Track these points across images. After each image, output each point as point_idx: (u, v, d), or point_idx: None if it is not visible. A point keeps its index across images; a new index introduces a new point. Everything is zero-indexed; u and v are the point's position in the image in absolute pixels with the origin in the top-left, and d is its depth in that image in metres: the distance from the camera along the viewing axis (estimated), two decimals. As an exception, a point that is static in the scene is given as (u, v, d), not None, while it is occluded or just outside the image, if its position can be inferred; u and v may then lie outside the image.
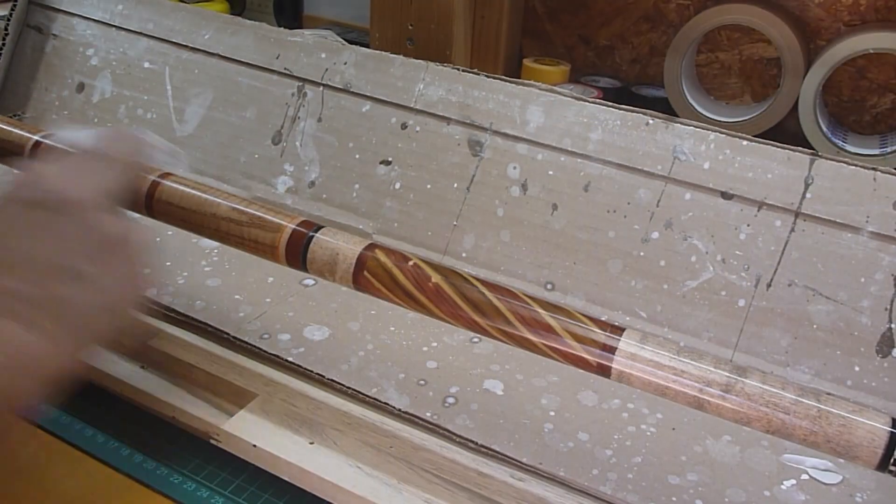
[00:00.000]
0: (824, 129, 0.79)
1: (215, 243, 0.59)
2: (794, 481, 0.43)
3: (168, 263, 0.57)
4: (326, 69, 0.63)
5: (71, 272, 0.32)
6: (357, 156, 0.62)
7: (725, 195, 0.51)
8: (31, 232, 0.33)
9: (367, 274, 0.39)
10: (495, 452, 0.42)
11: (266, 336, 0.50)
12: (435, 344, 0.51)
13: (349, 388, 0.45)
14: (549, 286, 0.55)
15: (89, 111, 0.72)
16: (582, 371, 0.36)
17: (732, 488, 0.42)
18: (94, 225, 0.34)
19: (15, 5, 0.75)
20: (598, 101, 0.55)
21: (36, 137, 0.48)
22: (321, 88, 0.63)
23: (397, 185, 0.60)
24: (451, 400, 0.46)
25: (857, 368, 0.48)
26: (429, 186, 0.59)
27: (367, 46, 0.65)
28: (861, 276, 0.48)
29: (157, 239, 0.59)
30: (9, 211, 0.34)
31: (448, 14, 0.82)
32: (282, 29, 0.66)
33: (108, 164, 0.38)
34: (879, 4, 0.78)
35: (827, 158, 0.49)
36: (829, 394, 0.34)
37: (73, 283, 0.32)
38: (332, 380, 0.46)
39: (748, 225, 0.51)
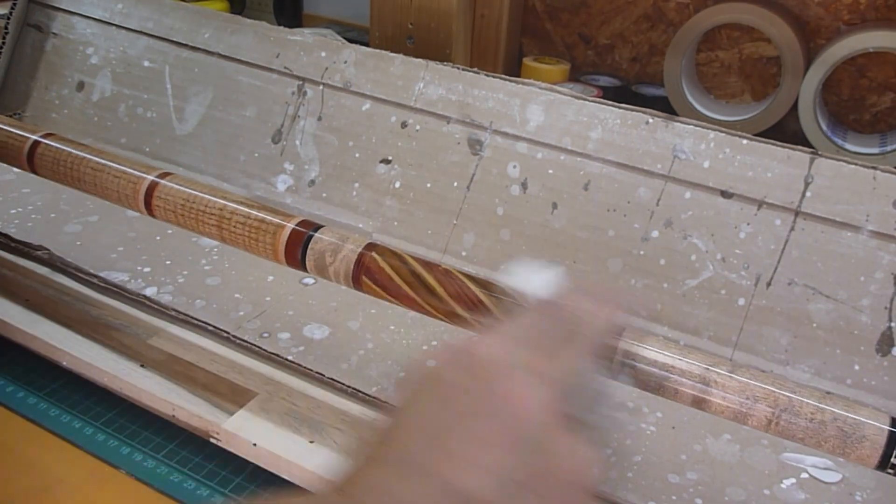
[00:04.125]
0: (824, 127, 0.79)
1: (215, 242, 0.59)
2: (793, 480, 0.43)
3: (168, 262, 0.57)
4: (326, 68, 0.63)
5: (474, 499, 0.23)
6: (357, 154, 0.62)
7: (725, 194, 0.51)
8: (436, 432, 0.24)
9: (366, 273, 0.39)
10: (495, 451, 0.42)
11: (266, 335, 0.50)
12: (435, 343, 0.51)
13: (349, 386, 0.45)
14: (548, 285, 0.55)
15: (89, 110, 0.72)
16: (582, 370, 0.36)
17: (732, 487, 0.42)
18: (537, 447, 0.24)
19: (15, 4, 0.74)
20: (597, 99, 0.55)
21: (35, 138, 0.48)
22: (321, 87, 0.63)
23: (397, 184, 0.60)
24: (450, 399, 0.46)
25: (856, 367, 0.48)
26: (429, 185, 0.59)
27: (367, 45, 0.65)
28: (861, 275, 0.48)
29: (157, 238, 0.59)
30: (419, 397, 0.25)
31: (448, 13, 0.82)
32: (282, 28, 0.66)
33: (577, 342, 0.27)
34: (879, 3, 0.78)
35: (827, 157, 0.49)
36: (828, 392, 0.34)
37: None
38: (332, 378, 0.46)
39: (748, 224, 0.51)
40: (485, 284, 0.38)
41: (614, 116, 0.54)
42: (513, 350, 0.26)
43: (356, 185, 0.62)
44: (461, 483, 0.23)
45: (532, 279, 0.31)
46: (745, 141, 0.51)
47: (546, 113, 0.56)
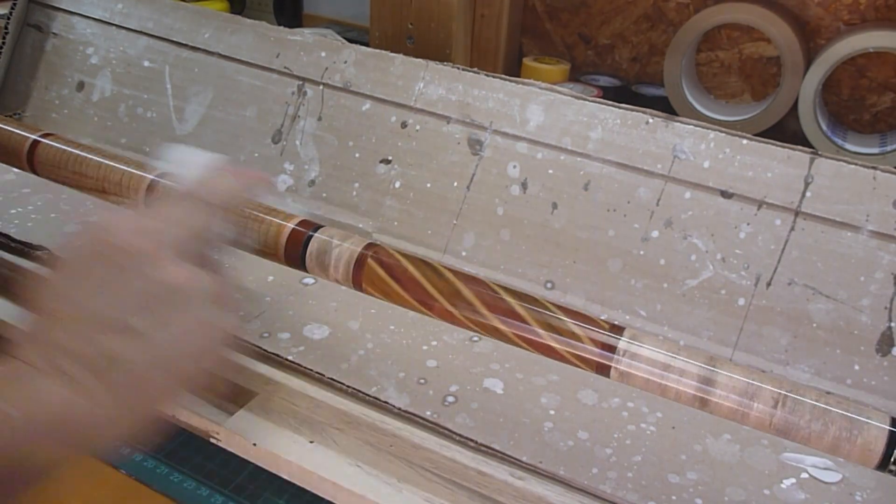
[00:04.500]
0: (824, 127, 0.79)
1: (215, 242, 0.59)
2: (793, 480, 0.43)
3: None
4: (326, 68, 0.63)
5: (122, 326, 0.31)
6: (357, 154, 0.62)
7: (725, 194, 0.51)
8: (86, 285, 0.32)
9: (366, 273, 0.39)
10: (495, 451, 0.42)
11: (266, 335, 0.50)
12: (435, 343, 0.51)
13: (349, 386, 0.45)
14: (548, 285, 0.55)
15: (89, 110, 0.72)
16: (582, 370, 0.36)
17: (732, 487, 0.42)
18: (152, 276, 0.32)
19: (15, 4, 0.74)
20: (597, 99, 0.55)
21: (34, 137, 0.48)
22: (321, 87, 0.63)
23: (397, 184, 0.60)
24: (451, 399, 0.46)
25: (856, 367, 0.48)
26: (429, 185, 0.59)
27: (367, 45, 0.65)
28: (861, 275, 0.48)
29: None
30: (68, 263, 0.33)
31: (448, 13, 0.82)
32: (282, 28, 0.66)
33: (193, 208, 0.36)
34: (879, 3, 0.78)
35: (827, 157, 0.49)
36: (828, 393, 0.34)
37: (123, 339, 0.31)
38: (332, 379, 0.46)
39: (748, 224, 0.51)
40: (478, 283, 0.38)
41: (614, 116, 0.54)
42: (134, 220, 0.34)
43: (356, 185, 0.62)
44: (93, 308, 0.31)
45: (188, 162, 0.40)
46: (745, 141, 0.51)
47: (546, 113, 0.56)
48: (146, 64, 0.70)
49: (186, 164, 0.40)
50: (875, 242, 0.48)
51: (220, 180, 0.37)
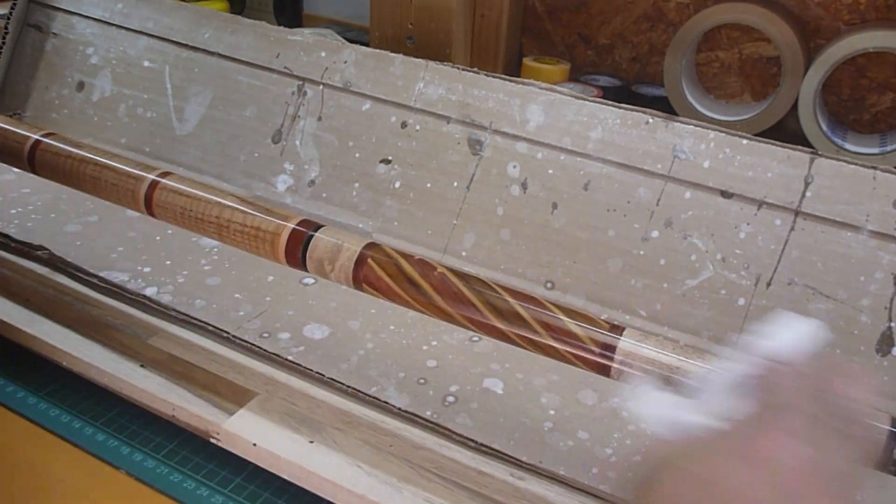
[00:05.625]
0: (824, 127, 0.79)
1: (215, 242, 0.59)
2: (793, 480, 0.42)
3: (168, 262, 0.57)
4: (326, 68, 0.63)
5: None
6: (357, 154, 0.62)
7: (725, 194, 0.51)
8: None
9: (366, 272, 0.39)
10: (495, 451, 0.42)
11: (266, 335, 0.50)
12: (435, 343, 0.51)
13: (349, 386, 0.45)
14: (548, 285, 0.55)
15: (89, 110, 0.72)
16: (582, 370, 0.36)
17: (732, 487, 0.42)
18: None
19: (15, 4, 0.74)
20: (597, 99, 0.55)
21: (35, 137, 0.48)
22: (321, 87, 0.63)
23: (397, 184, 0.60)
24: (451, 399, 0.46)
25: (856, 367, 0.48)
26: (429, 185, 0.59)
27: (367, 45, 0.65)
28: (861, 275, 0.48)
29: (157, 238, 0.59)
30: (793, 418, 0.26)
31: (448, 13, 0.82)
32: (282, 28, 0.66)
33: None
34: (879, 3, 0.78)
35: (827, 157, 0.49)
36: (828, 392, 0.34)
37: None
38: (332, 378, 0.46)
39: (748, 224, 0.51)
40: (478, 283, 0.38)
41: (614, 116, 0.54)
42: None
43: (356, 185, 0.62)
44: None
45: (783, 334, 0.29)
46: (745, 141, 0.51)
47: (546, 113, 0.56)
48: (146, 64, 0.70)
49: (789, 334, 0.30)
50: (875, 242, 0.48)
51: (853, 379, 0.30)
